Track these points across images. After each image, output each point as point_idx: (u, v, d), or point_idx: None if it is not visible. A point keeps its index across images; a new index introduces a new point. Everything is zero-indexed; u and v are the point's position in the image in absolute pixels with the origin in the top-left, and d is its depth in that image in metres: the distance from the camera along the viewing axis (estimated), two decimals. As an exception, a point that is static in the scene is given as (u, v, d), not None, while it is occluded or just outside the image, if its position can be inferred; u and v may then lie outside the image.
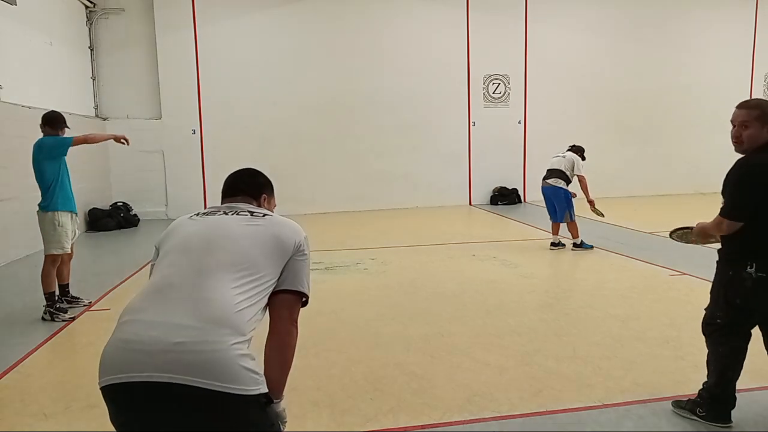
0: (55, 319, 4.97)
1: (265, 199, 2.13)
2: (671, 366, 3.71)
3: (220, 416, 1.55)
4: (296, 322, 1.88)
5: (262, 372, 1.68)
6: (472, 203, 12.88)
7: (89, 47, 11.19)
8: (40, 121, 5.14)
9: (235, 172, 2.16)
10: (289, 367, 1.84)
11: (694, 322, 3.08)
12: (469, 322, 4.71)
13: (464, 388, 3.43)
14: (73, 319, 5.02)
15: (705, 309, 3.03)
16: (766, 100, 2.88)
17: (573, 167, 7.47)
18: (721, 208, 2.79)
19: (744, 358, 2.93)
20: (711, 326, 2.97)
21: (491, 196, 12.82)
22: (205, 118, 11.67)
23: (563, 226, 7.57)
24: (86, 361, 4.11)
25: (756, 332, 2.98)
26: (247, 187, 2.09)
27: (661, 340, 4.18)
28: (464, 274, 6.36)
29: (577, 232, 7.43)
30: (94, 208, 10.36)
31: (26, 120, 7.97)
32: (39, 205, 5.07)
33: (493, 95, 12.85)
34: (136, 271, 6.72)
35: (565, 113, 13.06)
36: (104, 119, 11.46)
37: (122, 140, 5.37)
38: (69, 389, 3.58)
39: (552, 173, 7.54)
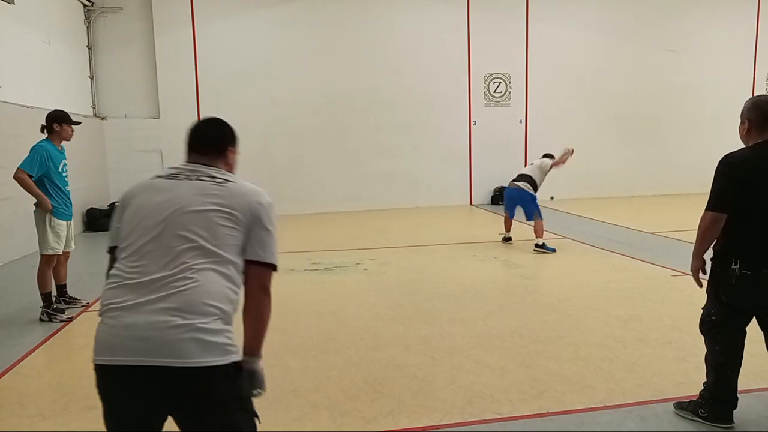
0: (53, 320, 4.94)
1: (231, 152, 2.15)
2: (673, 367, 3.69)
3: (192, 389, 1.70)
4: (268, 291, 1.94)
5: (232, 342, 1.81)
6: (472, 203, 12.86)
7: (87, 46, 11.16)
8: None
9: (200, 125, 2.17)
10: (264, 331, 1.96)
11: (697, 323, 3.07)
12: (469, 323, 4.68)
13: (465, 390, 3.40)
14: (71, 319, 4.99)
15: (702, 308, 3.04)
16: (756, 98, 2.94)
17: (544, 168, 7.96)
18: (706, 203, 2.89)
19: (741, 356, 2.93)
20: (707, 324, 2.99)
21: (492, 196, 12.79)
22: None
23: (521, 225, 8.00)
24: (84, 361, 4.08)
25: (757, 333, 2.97)
26: (213, 142, 2.10)
27: (663, 341, 4.16)
28: (465, 275, 6.33)
29: (542, 232, 7.58)
30: (91, 208, 10.33)
31: (24, 119, 7.94)
32: (34, 204, 5.05)
33: (494, 94, 12.82)
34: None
35: (566, 112, 13.04)
36: (102, 118, 11.43)
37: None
38: (67, 390, 3.56)
39: (522, 177, 7.85)
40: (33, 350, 4.27)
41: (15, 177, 4.91)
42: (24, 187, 4.90)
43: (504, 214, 8.12)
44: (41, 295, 5.02)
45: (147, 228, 1.82)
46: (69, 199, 5.19)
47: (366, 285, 6.03)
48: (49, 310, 4.98)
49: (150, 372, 1.67)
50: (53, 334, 4.64)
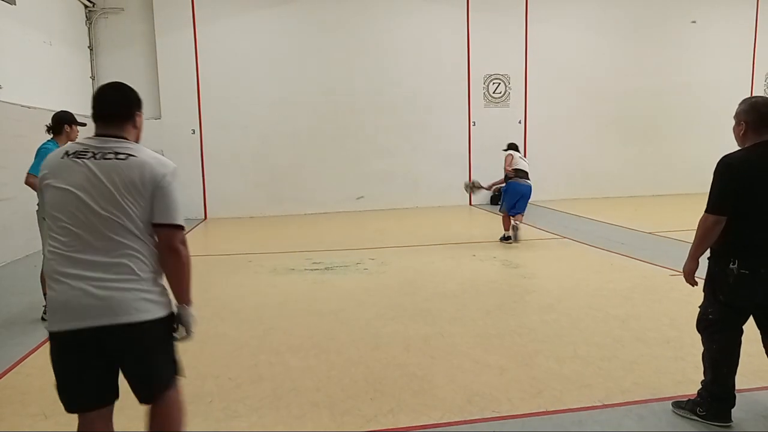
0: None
1: (138, 116, 2.30)
2: (672, 366, 3.71)
3: (125, 342, 2.10)
4: (177, 249, 2.17)
5: (156, 299, 2.15)
6: (472, 203, 12.87)
7: (89, 47, 11.18)
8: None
9: (104, 92, 2.30)
10: (184, 282, 2.24)
11: (695, 323, 3.08)
12: (469, 322, 4.70)
13: (464, 389, 3.42)
14: None
15: (699, 306, 3.06)
16: (753, 98, 2.95)
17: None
18: (706, 205, 2.90)
19: (738, 354, 2.95)
20: (703, 322, 3.01)
21: (491, 196, 12.79)
22: (204, 118, 11.66)
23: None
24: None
25: (755, 332, 2.99)
26: (119, 109, 2.25)
27: (661, 340, 4.18)
28: (464, 275, 6.35)
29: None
30: (93, 208, 10.34)
31: (25, 120, 7.97)
32: (37, 204, 5.05)
33: (493, 95, 12.84)
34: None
35: (565, 113, 13.06)
36: (104, 119, 11.44)
37: None
38: (68, 390, 3.57)
39: (527, 174, 8.13)
40: (35, 349, 4.28)
41: (26, 182, 4.91)
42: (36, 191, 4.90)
43: (503, 213, 8.12)
44: (44, 294, 5.02)
45: (70, 213, 2.09)
46: None
47: (366, 285, 6.05)
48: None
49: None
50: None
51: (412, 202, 12.39)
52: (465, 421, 3.04)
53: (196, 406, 3.29)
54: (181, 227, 2.19)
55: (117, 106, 2.24)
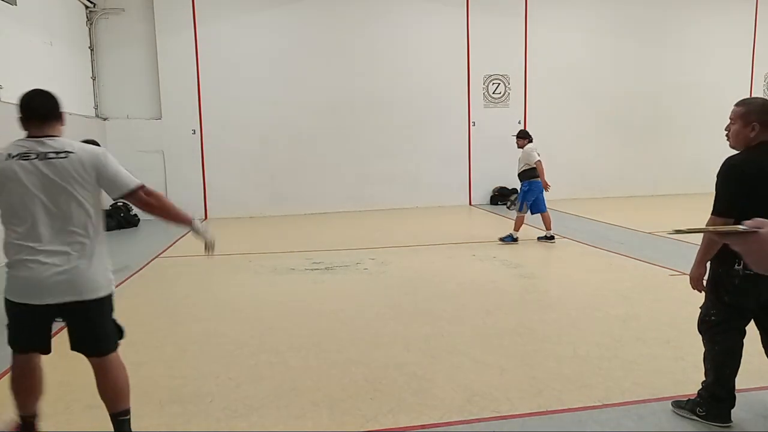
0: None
1: (63, 115, 2.74)
2: (671, 366, 3.71)
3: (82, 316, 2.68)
4: (148, 201, 2.64)
5: (98, 277, 2.60)
6: (472, 203, 12.88)
7: (89, 47, 11.19)
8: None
9: (34, 98, 2.84)
10: (173, 211, 2.73)
11: (695, 323, 3.08)
12: (469, 322, 4.71)
13: (464, 389, 3.42)
14: None
15: (700, 307, 3.05)
16: (761, 100, 2.90)
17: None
18: (712, 207, 2.85)
19: (740, 355, 2.94)
20: (706, 323, 2.99)
21: (491, 196, 12.82)
22: (205, 118, 11.67)
23: (535, 218, 8.16)
24: (86, 361, 4.11)
25: (756, 332, 2.99)
26: (51, 110, 2.75)
27: (661, 340, 4.18)
28: (464, 274, 6.35)
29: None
30: (94, 208, 10.35)
31: (26, 120, 7.99)
32: None
33: (493, 95, 12.85)
34: (136, 271, 6.72)
35: (565, 113, 13.07)
36: (104, 119, 11.46)
37: None
38: (69, 389, 3.59)
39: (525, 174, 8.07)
40: (35, 349, 4.29)
41: None
42: None
43: (523, 213, 8.04)
44: None
45: (26, 217, 2.46)
46: None
47: (366, 284, 6.05)
48: None
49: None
50: (55, 334, 4.65)
51: (412, 202, 12.39)
52: (465, 420, 3.04)
53: (196, 405, 3.30)
54: (138, 188, 2.61)
55: (47, 109, 2.72)
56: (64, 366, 4.08)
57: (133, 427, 2.92)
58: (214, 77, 11.58)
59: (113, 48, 11.35)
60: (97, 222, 2.57)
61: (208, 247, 2.83)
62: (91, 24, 11.18)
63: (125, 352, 4.25)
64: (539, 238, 8.11)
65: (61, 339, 4.56)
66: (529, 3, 12.74)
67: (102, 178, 2.55)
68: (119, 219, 10.52)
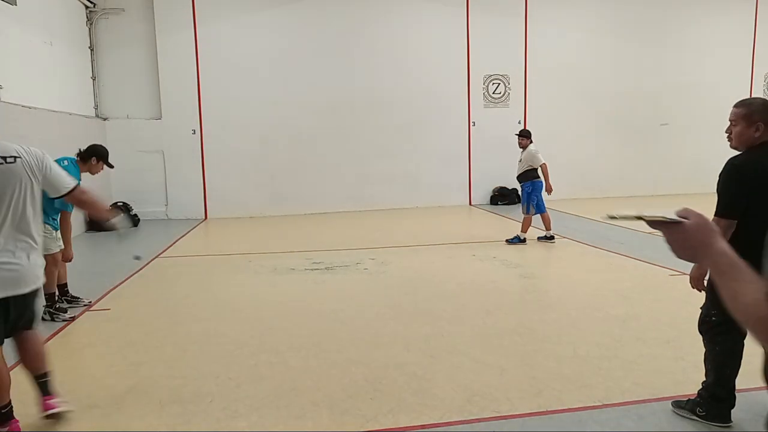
0: (55, 319, 4.98)
1: None
2: (671, 366, 3.71)
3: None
4: (82, 199, 3.06)
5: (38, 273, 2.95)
6: (472, 203, 12.88)
7: (89, 47, 11.19)
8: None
9: None
10: (97, 205, 3.23)
11: (695, 323, 3.09)
12: (469, 322, 4.71)
13: (464, 389, 3.43)
14: (73, 318, 5.02)
15: (701, 308, 3.05)
16: (761, 100, 2.90)
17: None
18: (715, 209, 2.84)
19: (741, 356, 2.94)
20: (706, 324, 2.99)
21: (491, 196, 12.82)
22: (205, 118, 11.67)
23: (535, 218, 8.11)
24: (86, 361, 4.12)
25: (756, 332, 2.98)
26: None
27: (661, 340, 4.18)
28: (464, 275, 6.35)
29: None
30: (94, 208, 10.34)
31: (26, 120, 7.98)
32: None
33: (493, 95, 12.85)
34: (137, 271, 6.72)
35: (565, 113, 13.07)
36: (104, 119, 11.46)
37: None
38: (69, 389, 3.58)
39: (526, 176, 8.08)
40: (35, 349, 4.29)
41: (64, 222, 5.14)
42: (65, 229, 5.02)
43: (530, 215, 8.00)
44: (45, 294, 4.99)
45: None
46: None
47: (366, 285, 6.05)
48: (52, 310, 5.03)
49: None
50: (55, 334, 4.66)
51: (412, 202, 12.39)
52: (465, 420, 3.05)
53: (196, 405, 3.30)
54: (74, 188, 2.99)
55: None
56: (62, 367, 4.09)
57: (133, 427, 2.93)
58: (214, 77, 11.58)
59: (113, 48, 11.35)
60: (38, 219, 2.94)
61: (121, 234, 3.38)
62: (91, 24, 11.18)
63: (125, 351, 4.26)
64: (539, 238, 8.11)
65: (61, 340, 4.57)
66: (529, 3, 12.73)
67: (46, 177, 2.88)
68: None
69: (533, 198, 7.90)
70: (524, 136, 8.12)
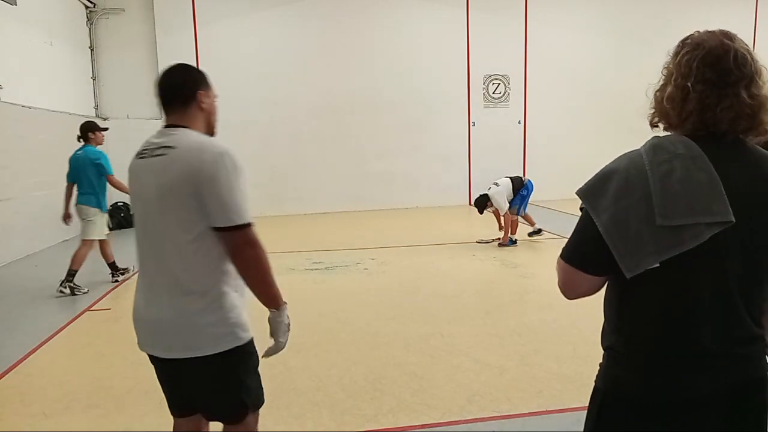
0: (75, 293, 5.73)
1: (202, 96, 1.96)
2: (671, 366, 3.71)
3: (192, 375, 1.88)
4: (243, 250, 1.83)
5: (229, 322, 1.85)
6: (472, 203, 12.86)
7: (89, 47, 11.19)
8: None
9: (163, 76, 1.98)
10: (265, 280, 1.92)
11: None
12: (469, 322, 4.71)
13: (464, 389, 3.42)
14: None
15: None
16: None
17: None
18: None
19: None
20: None
21: (491, 196, 12.82)
22: (205, 118, 11.66)
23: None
24: (86, 361, 4.12)
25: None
26: (176, 93, 1.94)
27: (661, 340, 4.18)
28: (464, 274, 6.36)
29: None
30: (94, 208, 10.35)
31: (26, 120, 7.99)
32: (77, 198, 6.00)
33: (493, 95, 12.85)
34: (136, 271, 6.70)
35: (565, 113, 13.07)
36: (104, 119, 11.45)
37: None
38: (69, 389, 3.58)
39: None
40: (35, 349, 4.29)
41: (115, 183, 5.85)
42: (121, 188, 5.64)
43: (518, 216, 8.05)
44: (72, 270, 5.77)
45: (138, 223, 2.01)
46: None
47: (366, 284, 6.05)
48: (72, 284, 5.75)
49: None
50: (56, 334, 4.66)
51: (412, 202, 12.39)
52: (465, 420, 3.04)
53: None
54: (246, 225, 1.83)
55: (175, 89, 1.94)
56: (63, 366, 4.09)
57: (133, 427, 2.92)
58: (214, 77, 11.11)
59: (113, 48, 11.35)
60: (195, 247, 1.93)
61: (269, 352, 1.98)
62: (91, 24, 11.18)
63: (125, 352, 4.26)
64: (530, 234, 8.18)
65: (61, 340, 4.57)
66: (529, 3, 12.73)
67: (203, 192, 1.78)
68: (119, 219, 10.52)
69: (526, 201, 7.97)
70: (478, 206, 8.04)
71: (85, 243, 5.95)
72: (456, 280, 6.11)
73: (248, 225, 1.81)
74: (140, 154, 1.94)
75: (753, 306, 1.27)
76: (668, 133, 1.37)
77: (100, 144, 6.04)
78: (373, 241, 8.59)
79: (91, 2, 11.02)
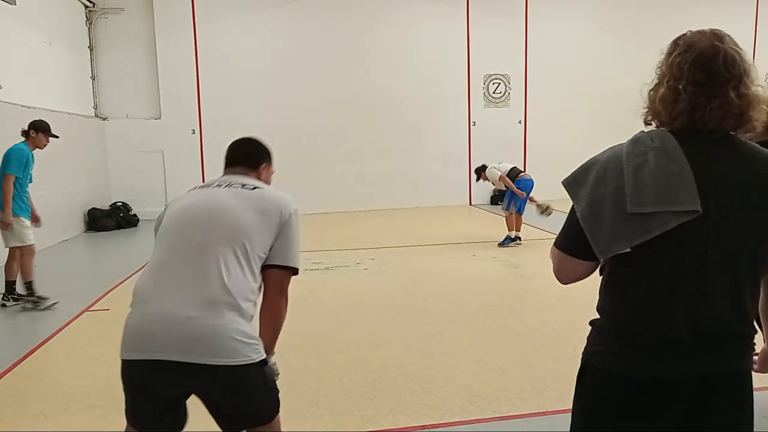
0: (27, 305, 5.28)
1: (264, 168, 2.21)
2: (672, 366, 3.70)
3: (223, 384, 1.82)
4: (285, 293, 1.98)
5: (257, 336, 1.89)
6: (472, 203, 12.87)
7: (89, 47, 11.19)
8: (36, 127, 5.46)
9: (236, 142, 2.22)
10: (279, 330, 2.00)
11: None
12: (469, 322, 4.70)
13: (464, 389, 3.42)
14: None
15: None
16: None
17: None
18: None
19: None
20: None
21: (491, 196, 12.81)
22: (204, 118, 11.66)
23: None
24: (86, 361, 4.11)
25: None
26: (247, 157, 2.18)
27: (661, 340, 4.17)
28: (464, 275, 6.35)
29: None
30: (93, 208, 10.35)
31: (26, 120, 7.94)
32: None
33: (493, 95, 12.84)
34: (136, 271, 6.70)
35: (565, 113, 13.06)
36: (104, 119, 11.45)
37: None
38: (69, 389, 3.57)
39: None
40: (35, 350, 4.28)
41: (3, 184, 5.09)
42: (5, 192, 5.06)
43: (510, 213, 7.92)
44: (8, 281, 5.32)
45: (180, 227, 1.92)
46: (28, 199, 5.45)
47: (366, 285, 6.04)
48: (15, 296, 5.31)
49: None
50: (55, 334, 4.65)
51: (412, 202, 12.39)
52: (465, 421, 3.04)
53: (195, 406, 3.28)
54: (296, 272, 2.04)
55: (245, 153, 2.26)
56: (62, 367, 4.08)
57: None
58: (214, 77, 11.57)
59: (113, 47, 11.34)
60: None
61: None
62: (90, 24, 11.17)
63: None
64: (500, 243, 7.87)
65: (61, 340, 4.57)
66: (529, 3, 12.73)
67: (282, 233, 1.99)
68: (118, 219, 10.52)
69: (516, 198, 7.87)
70: (478, 173, 8.32)
71: (11, 252, 5.27)
72: (456, 280, 6.10)
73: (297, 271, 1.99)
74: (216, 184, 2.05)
75: (736, 300, 1.30)
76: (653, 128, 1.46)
77: (38, 147, 5.42)
78: (373, 241, 8.58)
79: (91, 2, 11.01)
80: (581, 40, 13.11)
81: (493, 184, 8.46)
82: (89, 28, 11.18)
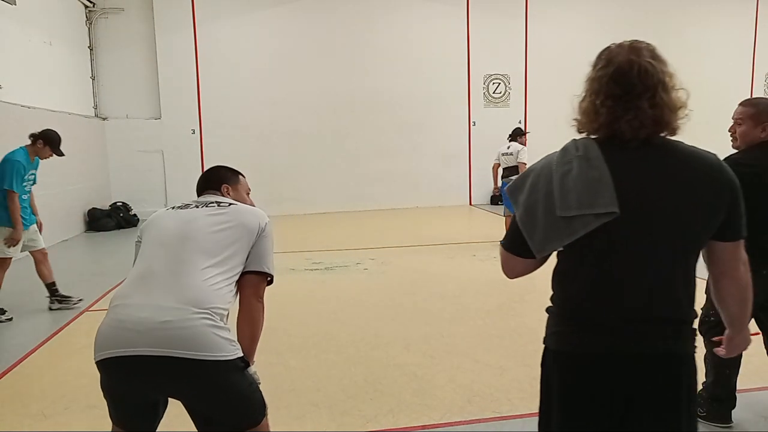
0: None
1: (227, 189, 2.32)
2: (672, 366, 3.70)
3: (204, 380, 1.83)
4: (261, 299, 2.10)
5: (236, 340, 1.95)
6: (472, 203, 12.88)
7: (89, 47, 11.19)
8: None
9: (203, 173, 2.41)
10: (258, 338, 2.08)
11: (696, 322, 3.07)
12: (469, 322, 4.70)
13: (464, 389, 3.42)
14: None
15: (701, 308, 3.04)
16: (766, 100, 2.88)
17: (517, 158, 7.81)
18: None
19: (741, 356, 2.93)
20: (706, 324, 2.98)
21: (491, 196, 12.79)
22: (204, 118, 11.66)
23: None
24: (86, 361, 4.10)
25: (755, 331, 2.98)
26: (211, 182, 2.33)
27: (661, 340, 4.17)
28: (465, 275, 6.35)
29: None
30: (93, 208, 10.35)
31: (26, 120, 7.97)
32: None
33: (493, 95, 12.84)
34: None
35: (565, 113, 12.93)
36: (104, 119, 11.45)
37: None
38: (68, 390, 3.57)
39: (512, 171, 7.81)
40: (34, 350, 4.29)
41: (11, 200, 4.88)
42: (12, 211, 4.86)
43: (510, 214, 7.98)
44: None
45: (160, 241, 2.04)
46: (28, 206, 5.23)
47: (366, 285, 6.04)
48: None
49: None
50: (55, 334, 4.65)
51: (412, 202, 12.39)
52: (465, 421, 3.04)
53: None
54: (270, 279, 2.22)
55: (210, 180, 2.37)
56: (62, 367, 4.08)
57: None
58: (214, 77, 11.57)
59: (113, 48, 11.34)
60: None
61: None
62: (90, 24, 11.17)
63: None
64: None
65: (60, 340, 4.57)
66: (529, 3, 12.73)
67: (254, 246, 2.16)
68: (118, 219, 10.52)
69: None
70: (516, 135, 8.08)
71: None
72: (456, 280, 6.10)
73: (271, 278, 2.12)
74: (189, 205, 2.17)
75: (665, 289, 1.47)
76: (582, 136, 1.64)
77: (39, 157, 5.19)
78: (373, 241, 8.58)
79: (91, 2, 11.01)
80: (581, 40, 13.07)
81: (512, 155, 8.00)
82: (89, 28, 11.18)
